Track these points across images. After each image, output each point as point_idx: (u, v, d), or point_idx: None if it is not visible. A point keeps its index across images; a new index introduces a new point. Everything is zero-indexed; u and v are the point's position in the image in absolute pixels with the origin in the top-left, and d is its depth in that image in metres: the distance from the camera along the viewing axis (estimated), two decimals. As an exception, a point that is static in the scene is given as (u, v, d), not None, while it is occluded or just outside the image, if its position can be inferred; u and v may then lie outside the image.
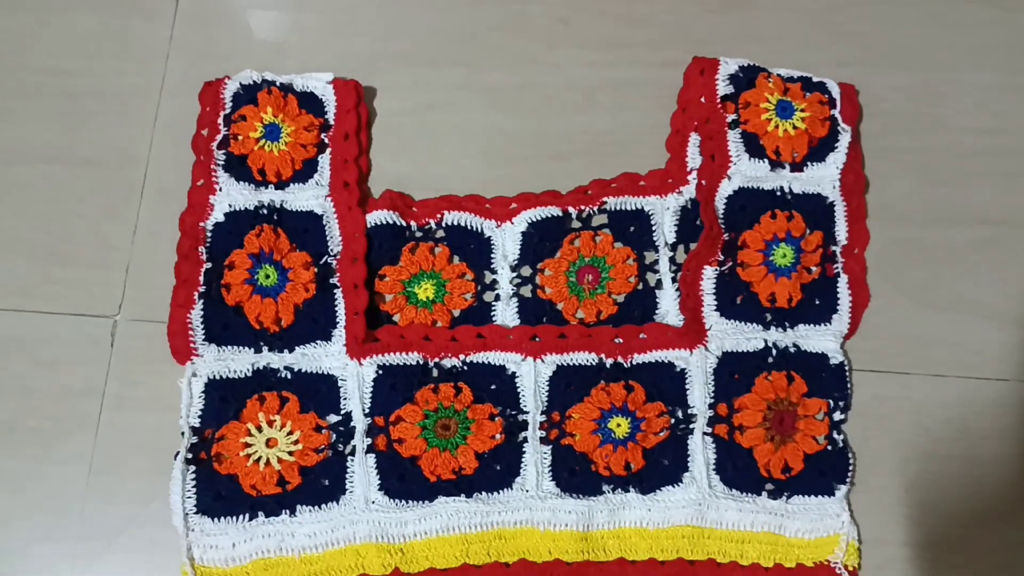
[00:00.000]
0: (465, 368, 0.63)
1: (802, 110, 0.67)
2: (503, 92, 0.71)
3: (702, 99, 0.69)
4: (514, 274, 0.67)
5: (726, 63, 0.69)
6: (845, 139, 0.68)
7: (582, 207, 0.68)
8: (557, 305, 0.66)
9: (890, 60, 0.72)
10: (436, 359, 0.63)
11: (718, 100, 0.68)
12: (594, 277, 0.66)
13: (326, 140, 0.67)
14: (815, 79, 0.69)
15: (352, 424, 0.61)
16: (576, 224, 0.68)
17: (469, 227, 0.67)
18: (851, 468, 0.63)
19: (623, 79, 0.72)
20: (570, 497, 0.61)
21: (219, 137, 0.66)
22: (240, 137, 0.66)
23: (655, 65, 0.72)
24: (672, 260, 0.67)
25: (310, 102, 0.68)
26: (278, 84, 0.68)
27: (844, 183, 0.67)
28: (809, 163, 0.67)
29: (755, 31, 0.73)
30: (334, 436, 0.61)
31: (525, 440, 0.62)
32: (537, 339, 0.64)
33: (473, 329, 0.64)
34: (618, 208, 0.68)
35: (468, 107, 0.71)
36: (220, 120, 0.67)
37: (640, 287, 0.67)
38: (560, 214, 0.67)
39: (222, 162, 0.66)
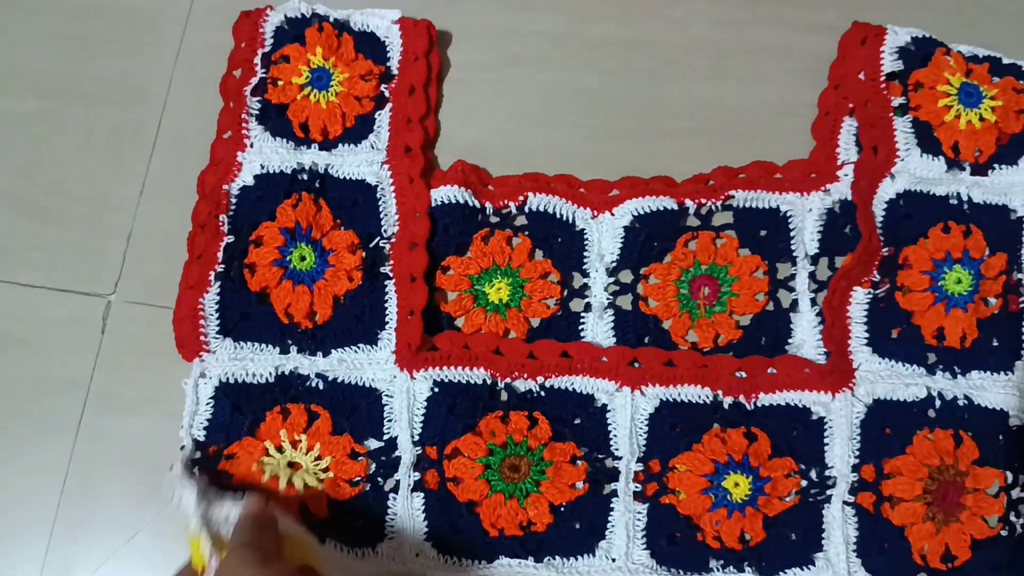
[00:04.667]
0: (543, 394, 0.58)
1: (991, 97, 0.61)
2: (610, 50, 0.65)
3: (861, 75, 0.62)
4: (611, 279, 0.61)
5: (895, 32, 0.62)
6: (1045, 139, 0.61)
7: (702, 200, 0.62)
8: (663, 323, 0.60)
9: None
10: (507, 379, 0.58)
11: (882, 78, 0.62)
12: (712, 290, 0.60)
13: (386, 93, 0.62)
14: (1006, 60, 0.62)
15: (397, 453, 0.57)
16: (693, 221, 0.62)
17: (558, 215, 0.61)
18: (1033, 564, 0.56)
19: (761, 43, 0.66)
20: (667, 572, 0.56)
21: (254, 80, 0.62)
22: (280, 82, 0.62)
23: (802, 28, 0.65)
24: (812, 276, 0.61)
25: (370, 44, 0.63)
26: (331, 20, 0.63)
27: (1039, 195, 0.62)
28: (996, 166, 0.61)
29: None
30: (373, 466, 0.57)
31: (614, 493, 0.57)
32: (637, 364, 0.58)
33: (556, 345, 0.59)
34: (747, 205, 0.62)
35: (564, 65, 0.65)
36: (257, 60, 0.62)
37: (770, 307, 0.61)
38: (674, 207, 0.61)
39: (256, 111, 0.61)
